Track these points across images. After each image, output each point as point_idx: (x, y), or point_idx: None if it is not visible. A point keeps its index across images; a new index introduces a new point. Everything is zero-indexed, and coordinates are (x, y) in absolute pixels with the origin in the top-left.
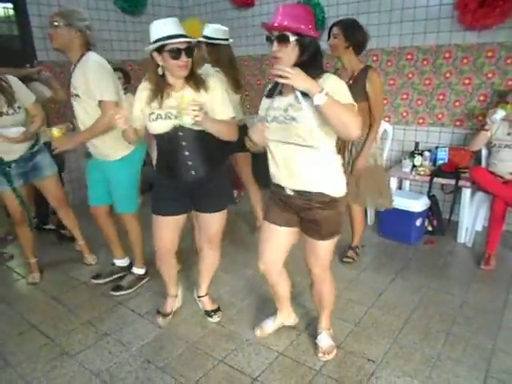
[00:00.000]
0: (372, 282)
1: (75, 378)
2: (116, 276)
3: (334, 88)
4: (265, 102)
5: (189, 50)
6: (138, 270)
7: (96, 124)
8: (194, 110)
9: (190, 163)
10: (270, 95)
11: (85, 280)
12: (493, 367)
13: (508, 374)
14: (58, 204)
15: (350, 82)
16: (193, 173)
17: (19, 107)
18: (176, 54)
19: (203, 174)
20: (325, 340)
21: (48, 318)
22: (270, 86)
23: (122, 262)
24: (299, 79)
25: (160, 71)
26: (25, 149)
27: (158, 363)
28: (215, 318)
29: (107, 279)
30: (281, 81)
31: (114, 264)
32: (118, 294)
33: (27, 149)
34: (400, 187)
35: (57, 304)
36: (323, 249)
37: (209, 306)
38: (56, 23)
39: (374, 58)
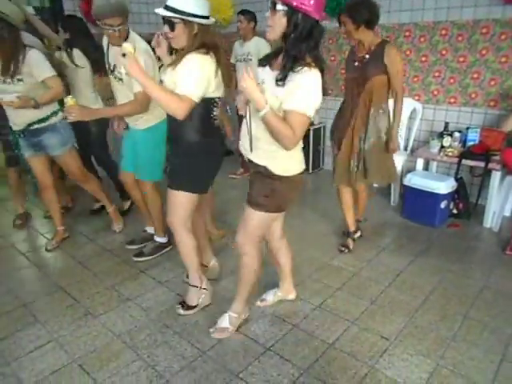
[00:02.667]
0: (391, 263)
1: (98, 337)
2: (148, 243)
3: (295, 86)
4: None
5: (169, 23)
6: (160, 239)
7: (126, 106)
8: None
9: (171, 135)
10: (262, 65)
11: (110, 248)
12: (510, 352)
13: None
14: (76, 178)
15: (367, 55)
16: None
17: (20, 79)
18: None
19: (172, 149)
20: (221, 321)
21: (74, 281)
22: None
23: (153, 230)
24: (249, 91)
25: None
26: (23, 123)
27: (175, 328)
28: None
29: (140, 245)
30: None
31: (145, 231)
32: (139, 259)
33: (26, 124)
34: (427, 168)
35: (83, 269)
36: (248, 215)
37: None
38: (110, 26)
39: (407, 34)
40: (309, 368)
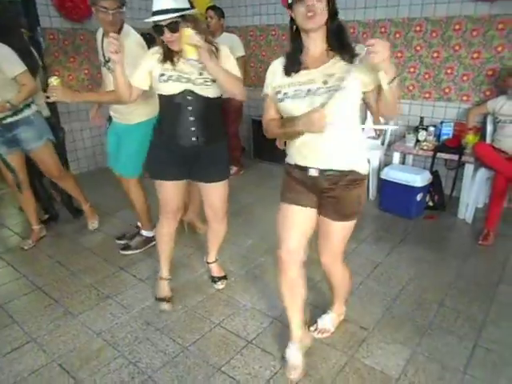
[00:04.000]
0: (369, 254)
1: (78, 337)
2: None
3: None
4: (280, 79)
5: (171, 26)
6: (146, 233)
7: (111, 95)
8: (196, 41)
9: (192, 129)
10: (288, 73)
11: (88, 246)
12: (482, 337)
13: (497, 343)
14: (52, 175)
15: None
16: (193, 139)
17: None
18: (159, 31)
19: (204, 142)
20: (325, 320)
21: (52, 280)
22: (284, 63)
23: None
24: (386, 53)
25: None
26: None
27: (157, 325)
28: (219, 285)
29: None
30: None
31: (137, 227)
32: (125, 252)
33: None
34: (403, 162)
35: (61, 268)
36: (340, 232)
37: (216, 272)
38: (107, 9)
39: (382, 30)
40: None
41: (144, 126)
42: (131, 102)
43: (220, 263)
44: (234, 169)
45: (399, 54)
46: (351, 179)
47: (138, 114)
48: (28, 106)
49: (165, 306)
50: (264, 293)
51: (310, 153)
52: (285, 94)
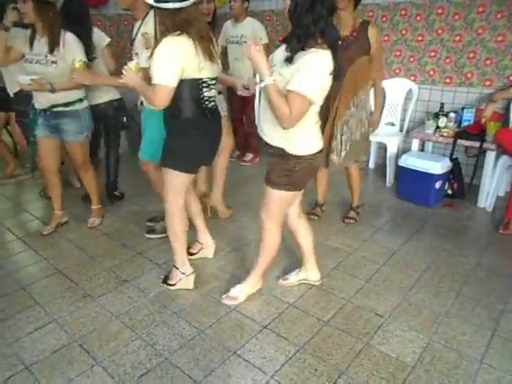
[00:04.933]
0: (386, 242)
1: (97, 318)
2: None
3: (300, 67)
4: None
5: None
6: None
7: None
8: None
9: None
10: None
11: (106, 231)
12: (501, 327)
13: None
14: (78, 167)
15: (350, 36)
16: None
17: (53, 61)
18: None
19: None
20: (234, 290)
21: (72, 264)
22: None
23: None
24: (256, 59)
25: None
26: (46, 103)
27: (173, 308)
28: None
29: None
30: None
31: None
32: (150, 236)
33: (49, 105)
34: (422, 149)
35: (80, 252)
36: (268, 194)
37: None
38: None
39: (403, 12)
40: (305, 345)
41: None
42: None
43: (234, 246)
44: (249, 156)
45: (420, 38)
46: (279, 153)
47: None
48: (80, 100)
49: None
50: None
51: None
52: None
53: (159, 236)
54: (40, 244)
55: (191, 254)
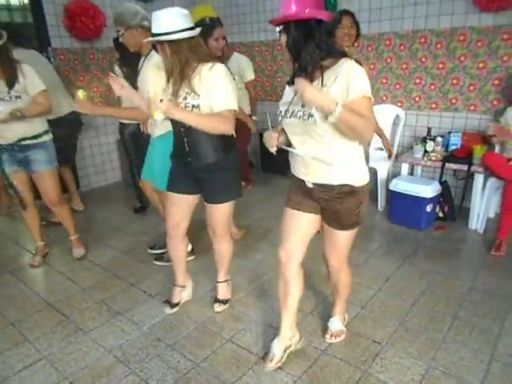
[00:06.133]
0: (380, 267)
1: (89, 354)
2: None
3: (347, 76)
4: (287, 92)
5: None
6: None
7: (130, 111)
8: (157, 105)
9: (187, 149)
10: (292, 83)
11: (98, 262)
12: (498, 351)
13: None
14: (49, 201)
15: None
16: (189, 160)
17: (17, 97)
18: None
19: (203, 162)
20: (336, 323)
21: (63, 297)
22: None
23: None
24: (315, 97)
25: None
26: (13, 138)
27: (167, 341)
28: (216, 307)
29: (160, 251)
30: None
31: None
32: (158, 263)
33: (17, 139)
34: (412, 173)
35: (72, 284)
36: (342, 239)
37: (219, 293)
38: (119, 32)
39: (387, 42)
40: (302, 375)
41: (167, 139)
42: None
43: (230, 286)
44: (242, 184)
45: (404, 66)
46: (345, 191)
47: (159, 127)
48: (47, 131)
49: (168, 310)
50: (274, 308)
51: (302, 167)
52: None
53: (166, 264)
54: (30, 277)
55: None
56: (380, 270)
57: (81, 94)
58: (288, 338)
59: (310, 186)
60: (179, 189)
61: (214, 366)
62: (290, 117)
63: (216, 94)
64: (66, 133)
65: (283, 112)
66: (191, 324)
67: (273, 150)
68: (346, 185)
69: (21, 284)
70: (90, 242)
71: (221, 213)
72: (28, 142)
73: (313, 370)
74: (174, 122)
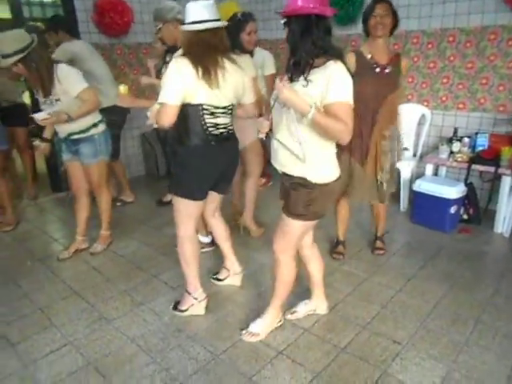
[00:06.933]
0: (401, 268)
1: (113, 342)
2: None
3: (328, 80)
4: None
5: None
6: (202, 238)
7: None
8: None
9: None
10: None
11: (122, 253)
12: None
13: None
14: (93, 187)
15: (391, 64)
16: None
17: (57, 100)
18: None
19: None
20: (255, 324)
21: (88, 286)
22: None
23: (204, 239)
24: (290, 98)
25: None
26: (65, 132)
27: (188, 333)
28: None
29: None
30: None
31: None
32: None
33: (67, 133)
34: (436, 174)
35: (97, 274)
36: (286, 225)
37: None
38: (157, 26)
39: (415, 41)
40: (321, 372)
41: None
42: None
43: (247, 272)
44: (262, 180)
45: (431, 65)
46: (300, 183)
47: None
48: (95, 125)
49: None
50: (294, 304)
51: (274, 155)
52: None
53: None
54: (58, 266)
55: (219, 280)
56: (401, 270)
57: (122, 88)
58: (314, 304)
59: (280, 172)
60: None
61: (233, 358)
62: (275, 103)
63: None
64: (116, 122)
65: (273, 101)
66: (211, 317)
67: (262, 135)
68: (304, 178)
69: (49, 272)
70: (114, 234)
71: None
72: (76, 136)
73: (332, 367)
74: None
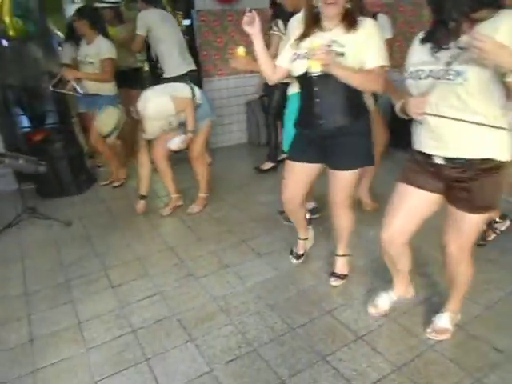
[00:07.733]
0: None
1: (197, 298)
2: None
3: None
4: (418, 51)
5: None
6: (307, 204)
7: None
8: (321, 55)
9: (318, 111)
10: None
11: (216, 216)
12: None
13: None
14: (193, 154)
15: None
16: (320, 122)
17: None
18: None
19: (334, 125)
20: (443, 320)
21: (182, 242)
22: (425, 32)
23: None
24: (495, 51)
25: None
26: None
27: (268, 301)
28: (332, 281)
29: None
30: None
31: None
32: (285, 222)
33: None
34: None
35: (190, 232)
36: (468, 224)
37: (336, 267)
38: None
39: None
40: (403, 366)
41: (293, 100)
42: (275, 81)
43: (348, 261)
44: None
45: None
46: (485, 168)
47: (291, 86)
48: None
49: (295, 261)
50: (384, 289)
51: (431, 140)
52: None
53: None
54: (157, 221)
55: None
56: None
57: (241, 50)
58: (397, 294)
59: (440, 161)
60: (300, 158)
61: (309, 334)
62: (427, 77)
63: (369, 51)
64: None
65: (414, 73)
66: (293, 289)
67: (420, 116)
68: (489, 159)
69: (149, 225)
70: (211, 197)
71: (344, 182)
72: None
73: (415, 363)
74: (308, 81)
